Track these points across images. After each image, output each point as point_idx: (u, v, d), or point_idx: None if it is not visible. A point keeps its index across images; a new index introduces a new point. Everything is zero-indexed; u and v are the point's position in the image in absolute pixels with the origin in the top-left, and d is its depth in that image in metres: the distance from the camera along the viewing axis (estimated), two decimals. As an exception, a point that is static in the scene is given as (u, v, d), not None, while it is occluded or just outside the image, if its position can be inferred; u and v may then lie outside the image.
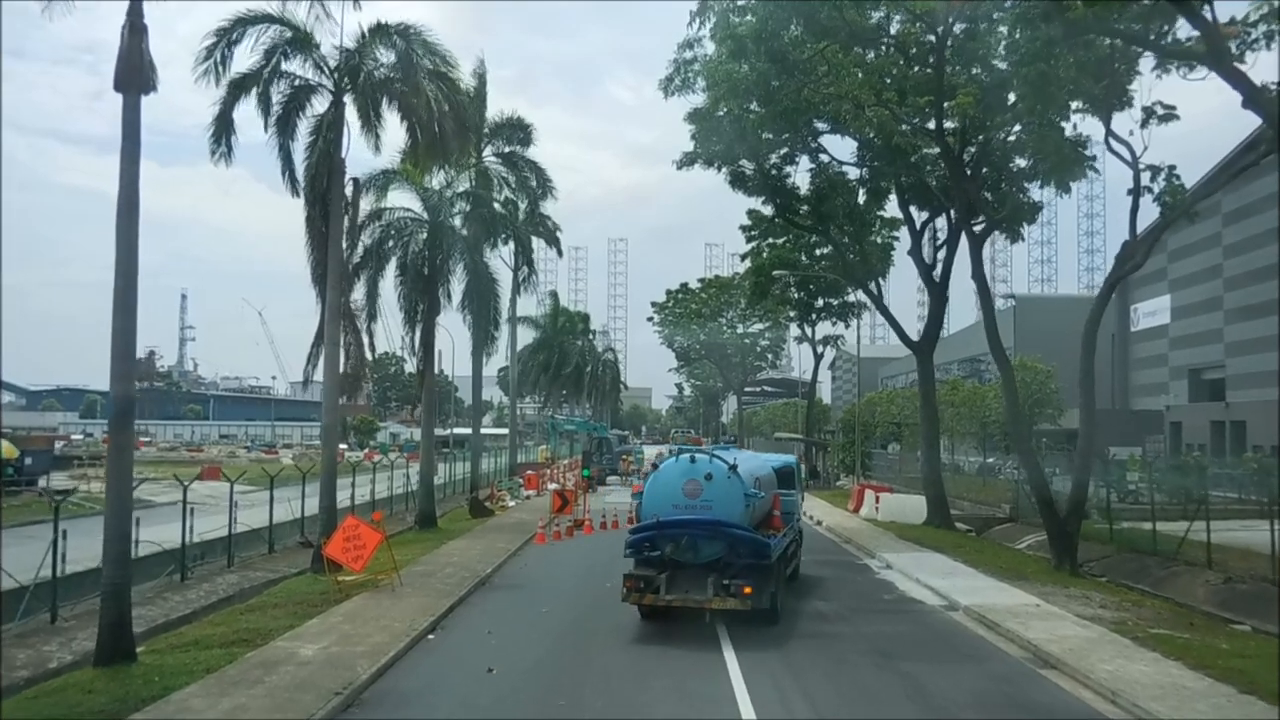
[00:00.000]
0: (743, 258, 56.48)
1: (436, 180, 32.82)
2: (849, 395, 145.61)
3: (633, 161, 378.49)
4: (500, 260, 47.08)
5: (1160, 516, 28.50)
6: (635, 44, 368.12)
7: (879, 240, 53.07)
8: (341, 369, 22.70)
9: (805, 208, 31.82)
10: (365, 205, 30.68)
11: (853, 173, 32.53)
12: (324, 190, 22.16)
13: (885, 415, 57.15)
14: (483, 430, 56.76)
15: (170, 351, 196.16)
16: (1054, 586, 20.13)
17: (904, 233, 34.17)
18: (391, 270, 30.74)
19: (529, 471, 48.69)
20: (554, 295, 66.64)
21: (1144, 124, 22.07)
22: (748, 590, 14.96)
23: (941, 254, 32.48)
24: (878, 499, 34.85)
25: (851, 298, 56.09)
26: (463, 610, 17.44)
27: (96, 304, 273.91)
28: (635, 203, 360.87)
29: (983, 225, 31.84)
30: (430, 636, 15.26)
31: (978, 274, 23.97)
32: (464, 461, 54.95)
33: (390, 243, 30.60)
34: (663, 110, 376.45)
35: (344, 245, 22.83)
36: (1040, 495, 23.19)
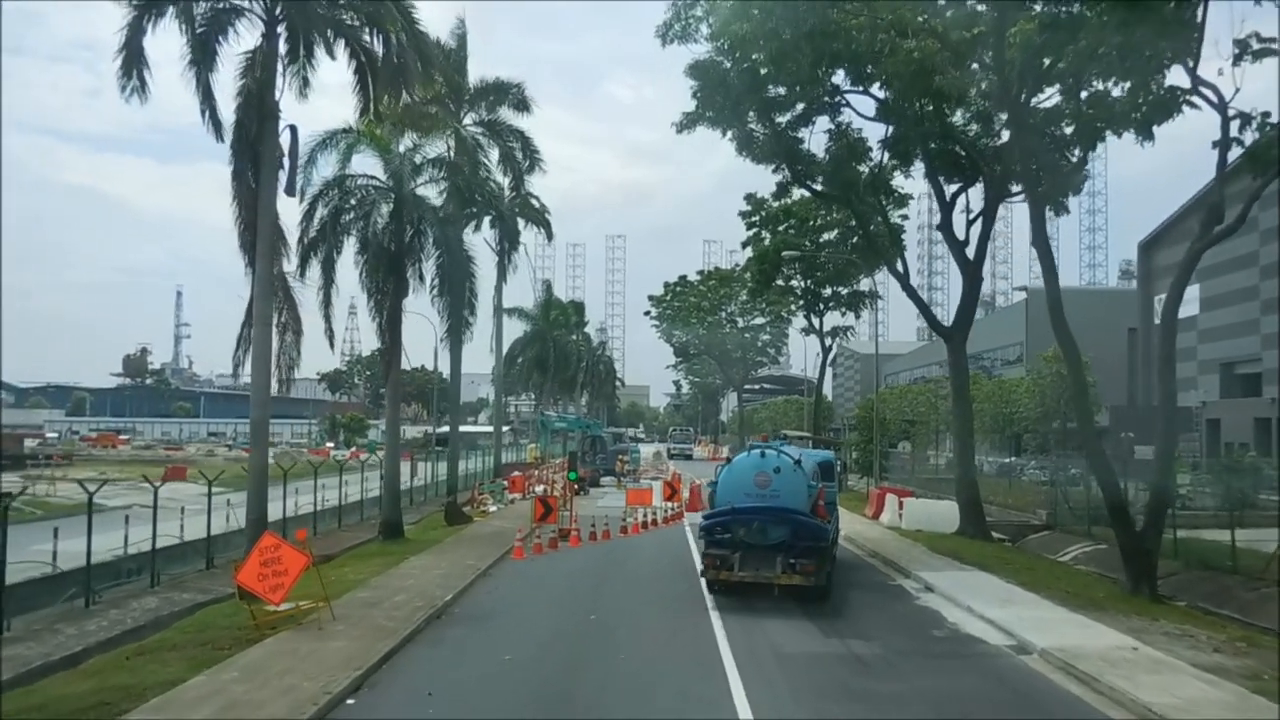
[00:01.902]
0: (743, 245, 52.81)
1: (409, 146, 29.10)
2: (850, 393, 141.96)
3: (632, 161, 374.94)
4: (485, 244, 43.46)
5: (1212, 524, 25.22)
6: (634, 44, 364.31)
7: (890, 221, 49.95)
8: (276, 353, 18.89)
9: (821, 175, 28.00)
10: (328, 170, 27.17)
11: (874, 136, 28.83)
12: (254, 138, 18.39)
13: (896, 412, 53.36)
14: (480, 428, 53.14)
15: (165, 349, 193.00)
16: (1141, 619, 16.39)
17: (917, 210, 30.21)
18: (352, 247, 26.98)
19: (515, 473, 44.85)
20: (546, 284, 62.94)
21: (1236, 60, 18.35)
22: (811, 569, 17.23)
23: (975, 230, 28.73)
24: (901, 504, 31.10)
25: (862, 285, 52.48)
26: (403, 658, 13.60)
27: (90, 303, 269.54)
28: (634, 202, 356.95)
29: (1021, 195, 28.30)
30: (350, 700, 11.45)
31: (1040, 240, 20.17)
32: (459, 460, 51.41)
33: (351, 214, 26.81)
34: (662, 109, 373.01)
35: (277, 205, 19.03)
36: (1114, 505, 19.48)
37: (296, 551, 14.87)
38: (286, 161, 19.23)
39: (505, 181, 37.76)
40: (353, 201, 26.80)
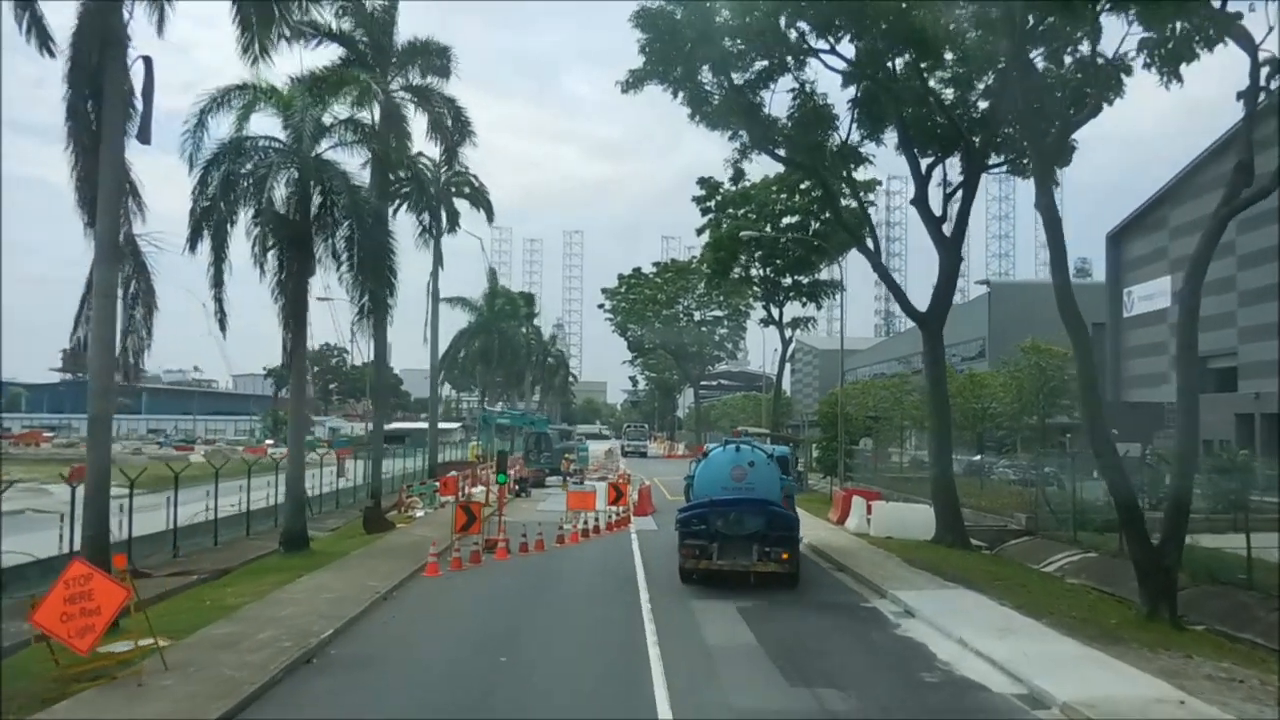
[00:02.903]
0: (698, 231, 49.84)
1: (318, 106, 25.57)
2: (809, 388, 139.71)
3: (594, 157, 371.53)
4: (421, 226, 39.98)
5: (1204, 528, 22.70)
6: (596, 39, 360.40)
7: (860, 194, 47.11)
8: (121, 334, 15.43)
9: (784, 139, 24.91)
10: (222, 132, 23.71)
11: (841, 104, 25.89)
12: (94, 67, 14.92)
13: (860, 408, 50.53)
14: (431, 425, 49.65)
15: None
16: (1171, 655, 13.52)
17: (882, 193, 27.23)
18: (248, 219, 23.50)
19: (452, 473, 41.38)
20: (491, 272, 59.30)
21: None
22: (785, 556, 18.45)
23: (955, 206, 25.90)
24: (869, 509, 28.23)
25: (823, 275, 49.72)
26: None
27: (32, 296, 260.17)
28: (595, 198, 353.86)
29: (1004, 165, 25.61)
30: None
31: (1045, 203, 17.17)
32: (399, 459, 48.13)
33: (247, 180, 23.31)
34: (625, 106, 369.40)
35: (126, 152, 15.55)
36: (1128, 512, 16.72)
37: (113, 584, 11.51)
38: (140, 103, 15.78)
39: (437, 154, 34.32)
40: (248, 166, 23.30)
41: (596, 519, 28.28)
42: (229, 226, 22.73)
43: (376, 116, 30.46)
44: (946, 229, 25.70)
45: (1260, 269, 47.55)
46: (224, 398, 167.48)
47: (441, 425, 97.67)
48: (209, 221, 22.54)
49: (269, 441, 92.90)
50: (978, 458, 47.36)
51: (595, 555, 23.72)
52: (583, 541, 25.94)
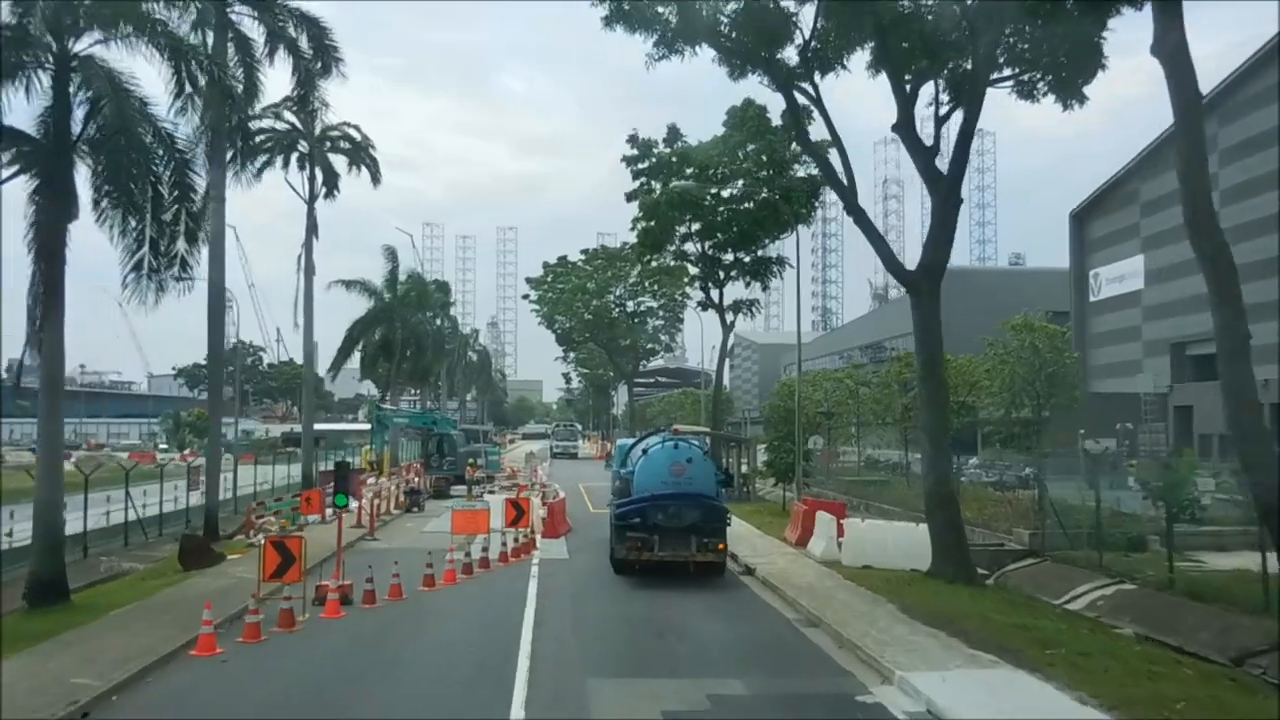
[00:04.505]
0: (629, 197, 43.27)
1: None
2: (748, 384, 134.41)
3: (525, 153, 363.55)
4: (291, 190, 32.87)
5: (1241, 544, 17.99)
6: (527, 35, 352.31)
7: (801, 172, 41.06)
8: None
9: (726, 21, 18.47)
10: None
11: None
12: None
13: (811, 402, 44.36)
14: (354, 425, 42.43)
15: (17, 345, 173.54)
16: None
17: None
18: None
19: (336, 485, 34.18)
20: (391, 252, 51.96)
21: None
22: (721, 546, 19.67)
23: (951, 130, 19.76)
24: (839, 528, 22.02)
25: (770, 249, 43.53)
26: None
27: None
28: (528, 194, 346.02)
29: (1010, 79, 19.72)
30: None
31: (1173, 41, 10.98)
32: (284, 465, 41.24)
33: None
34: (556, 101, 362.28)
35: None
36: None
37: None
38: None
39: (290, 83, 27.19)
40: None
41: (486, 547, 21.61)
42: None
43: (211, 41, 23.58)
44: (941, 164, 19.57)
45: (1254, 243, 42.41)
46: (144, 400, 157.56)
47: (359, 426, 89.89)
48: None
49: (162, 445, 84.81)
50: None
51: (469, 609, 17.01)
52: (462, 581, 19.23)
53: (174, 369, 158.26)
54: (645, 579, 19.32)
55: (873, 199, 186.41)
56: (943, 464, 19.20)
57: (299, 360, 56.42)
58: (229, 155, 26.42)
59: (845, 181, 19.38)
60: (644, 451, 20.89)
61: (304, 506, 27.73)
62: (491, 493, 33.33)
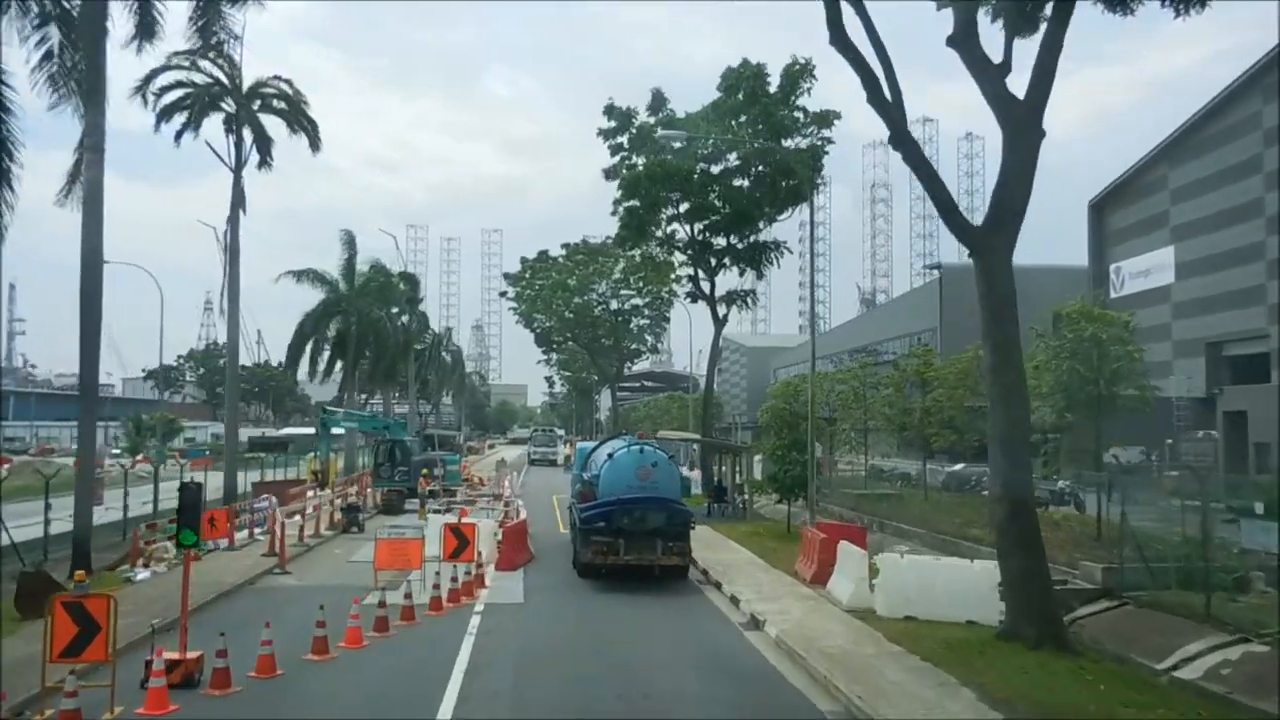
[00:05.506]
0: (607, 175, 38.37)
1: None
2: (736, 389, 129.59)
3: (510, 155, 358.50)
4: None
5: None
6: (513, 36, 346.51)
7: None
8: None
9: None
10: None
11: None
12: None
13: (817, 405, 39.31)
14: (229, 429, 37.15)
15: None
16: None
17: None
18: None
19: (264, 497, 29.12)
20: (349, 238, 46.80)
21: None
22: (686, 549, 20.03)
23: (1031, 46, 14.91)
24: (870, 567, 17.12)
25: (765, 234, 38.71)
26: None
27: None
28: (513, 196, 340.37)
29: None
30: None
31: None
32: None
33: None
34: (541, 102, 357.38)
35: None
36: None
37: None
38: None
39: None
40: None
41: (409, 593, 16.54)
42: None
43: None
44: (1016, 86, 14.70)
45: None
46: (118, 403, 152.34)
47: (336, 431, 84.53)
48: None
49: (115, 451, 79.47)
50: (959, 467, 36.96)
51: (362, 694, 11.94)
52: (370, 642, 14.11)
53: (143, 371, 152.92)
54: (621, 645, 14.46)
55: (860, 203, 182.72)
56: (1020, 485, 14.23)
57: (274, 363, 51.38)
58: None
59: (890, 97, 14.42)
60: (609, 455, 20.89)
61: (206, 530, 22.63)
62: (447, 510, 28.31)
